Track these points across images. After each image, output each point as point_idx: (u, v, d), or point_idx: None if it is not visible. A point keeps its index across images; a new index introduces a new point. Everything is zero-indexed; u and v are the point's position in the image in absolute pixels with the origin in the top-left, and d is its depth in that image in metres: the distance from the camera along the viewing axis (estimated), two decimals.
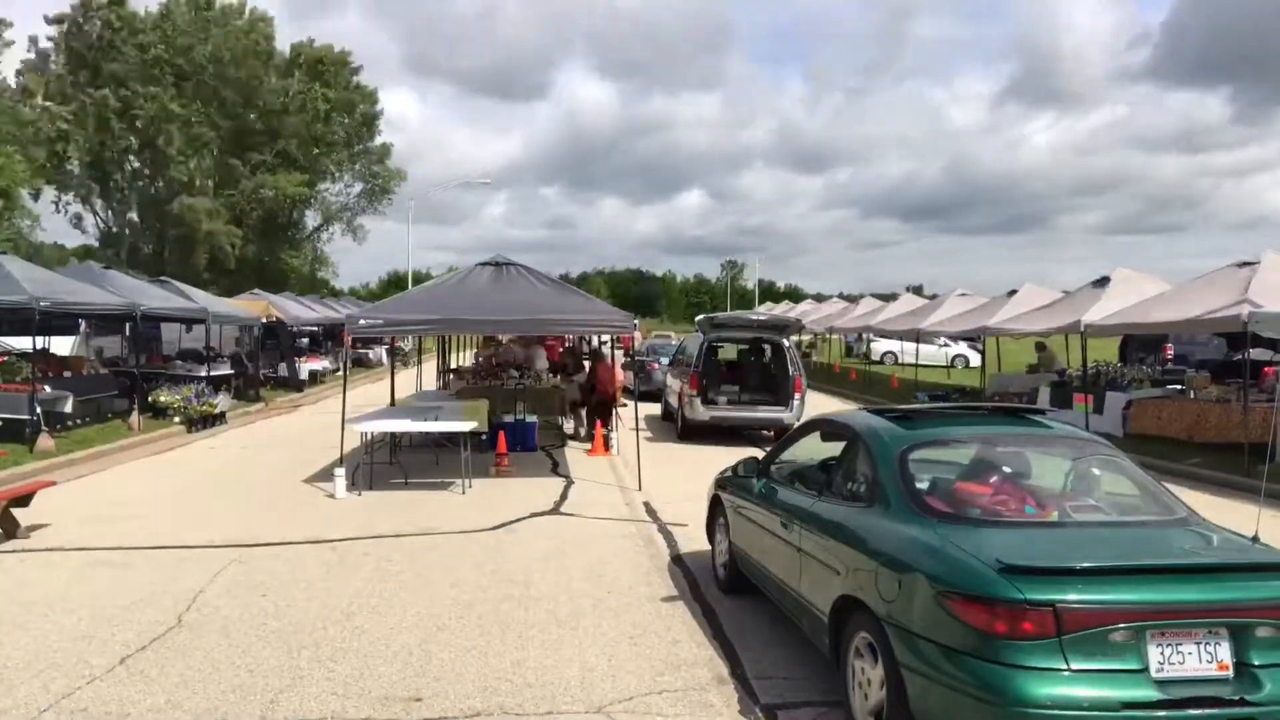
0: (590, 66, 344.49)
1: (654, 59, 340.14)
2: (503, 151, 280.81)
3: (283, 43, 49.80)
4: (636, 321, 12.54)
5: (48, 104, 41.19)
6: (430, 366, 22.83)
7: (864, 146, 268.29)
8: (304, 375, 25.94)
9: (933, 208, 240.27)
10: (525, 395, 15.75)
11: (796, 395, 15.47)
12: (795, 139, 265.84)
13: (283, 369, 25.70)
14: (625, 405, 16.67)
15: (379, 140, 53.22)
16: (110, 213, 47.66)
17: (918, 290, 65.43)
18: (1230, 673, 3.70)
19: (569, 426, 16.45)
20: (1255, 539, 4.36)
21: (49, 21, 43.72)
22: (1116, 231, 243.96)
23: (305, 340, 31.23)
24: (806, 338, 40.26)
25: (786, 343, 16.49)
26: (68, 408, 14.93)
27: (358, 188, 53.93)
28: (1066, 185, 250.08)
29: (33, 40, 44.07)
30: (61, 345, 20.26)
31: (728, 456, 8.35)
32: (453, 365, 21.84)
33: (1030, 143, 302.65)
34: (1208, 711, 3.61)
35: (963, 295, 26.06)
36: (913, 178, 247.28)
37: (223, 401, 18.07)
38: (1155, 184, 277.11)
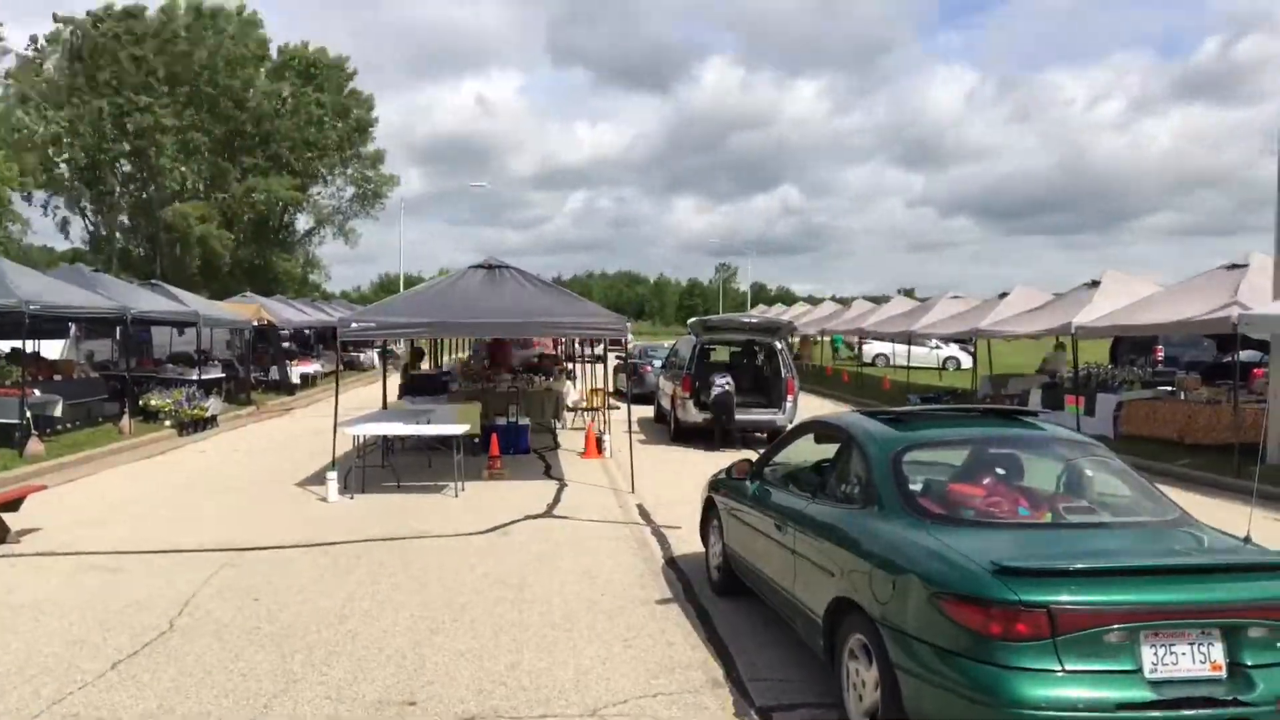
0: (716, 56, 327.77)
1: (779, 45, 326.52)
2: (606, 142, 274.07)
3: (281, 41, 49.77)
4: (629, 324, 12.53)
5: (44, 109, 41.00)
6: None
7: (978, 140, 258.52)
8: (295, 379, 25.88)
9: (1018, 207, 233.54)
10: (518, 398, 15.74)
11: (789, 397, 15.50)
12: (910, 133, 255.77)
13: (274, 372, 25.63)
14: (618, 408, 16.67)
15: (372, 146, 53.18)
16: (100, 216, 47.45)
17: (909, 293, 65.51)
18: (1224, 673, 3.71)
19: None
20: (1247, 539, 4.38)
21: (56, 20, 43.50)
22: (1211, 233, 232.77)
23: (292, 344, 31.06)
24: (798, 340, 40.31)
25: (779, 345, 16.51)
26: (57, 411, 14.85)
27: (350, 192, 53.85)
28: (1175, 182, 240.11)
29: (33, 39, 43.87)
30: (51, 349, 20.17)
31: (720, 459, 8.38)
32: (445, 367, 21.79)
33: (1154, 138, 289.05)
34: (1201, 712, 3.62)
35: (955, 298, 26.15)
36: (1014, 175, 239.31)
37: (214, 405, 18.01)
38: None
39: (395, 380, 17.43)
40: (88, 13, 42.99)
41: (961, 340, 29.86)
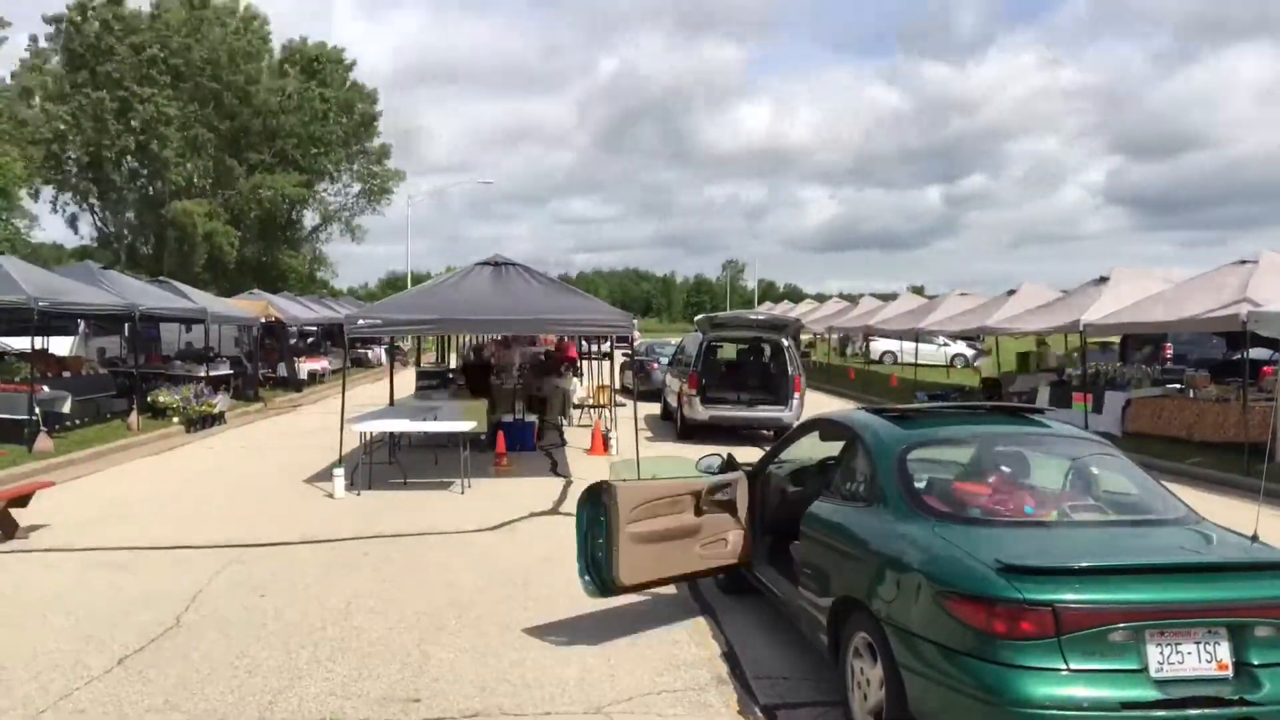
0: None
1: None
2: (793, 125, 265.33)
3: (283, 39, 49.89)
4: (635, 321, 12.53)
5: (46, 104, 41.15)
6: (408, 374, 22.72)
7: (1213, 124, 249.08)
8: (303, 375, 25.94)
9: (1186, 199, 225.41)
10: (524, 395, 15.75)
11: (796, 394, 15.49)
12: (1137, 115, 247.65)
13: (282, 369, 25.70)
14: (624, 405, 16.66)
15: (378, 141, 53.26)
16: (108, 213, 47.62)
17: (918, 290, 65.35)
18: (1230, 672, 3.69)
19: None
20: (1254, 538, 4.35)
21: (47, 21, 43.69)
22: None
23: (300, 340, 31.13)
24: (806, 337, 40.30)
25: (786, 342, 16.49)
26: (66, 408, 14.91)
27: (356, 188, 53.95)
28: None
29: (32, 39, 44.03)
30: (60, 345, 20.25)
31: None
32: (452, 365, 21.80)
33: None
34: (1207, 711, 3.60)
35: (962, 295, 26.09)
36: (1219, 164, 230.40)
37: (222, 402, 18.06)
38: None
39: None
40: (68, 7, 43.00)
41: (969, 337, 29.84)
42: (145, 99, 41.88)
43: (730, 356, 18.99)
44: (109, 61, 42.14)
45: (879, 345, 39.61)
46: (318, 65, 48.83)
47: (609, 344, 18.76)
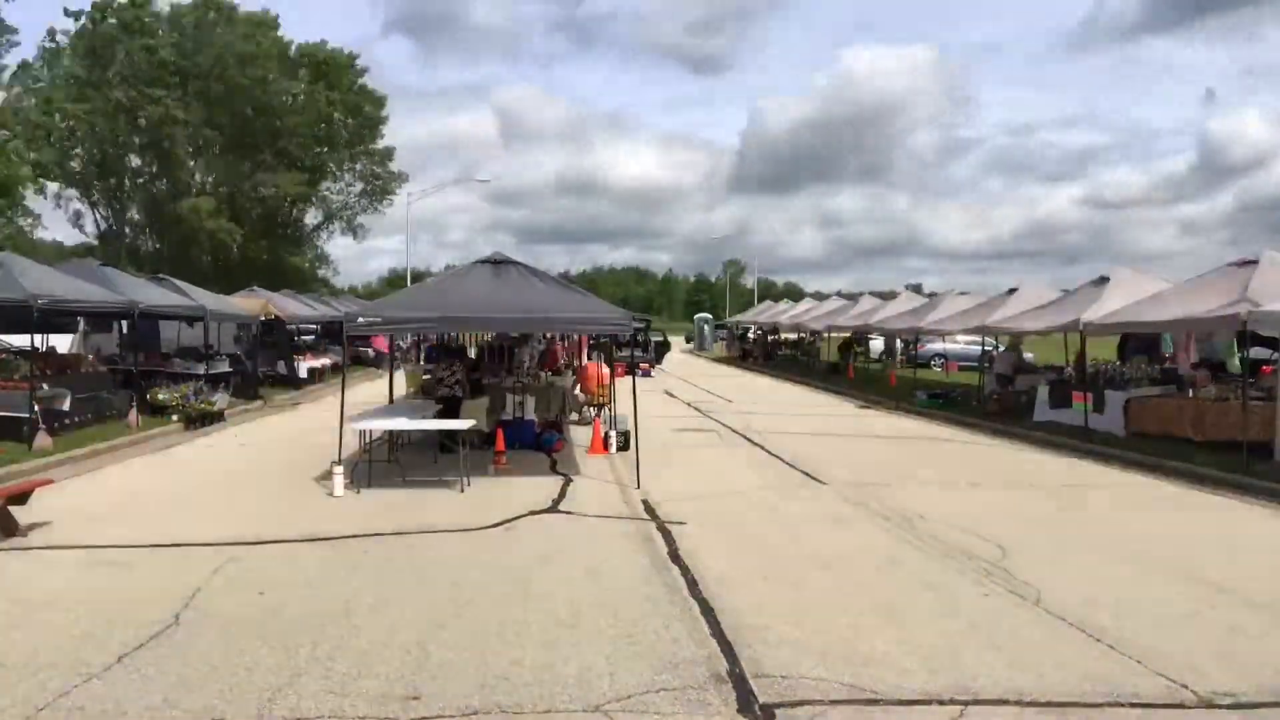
0: None
1: None
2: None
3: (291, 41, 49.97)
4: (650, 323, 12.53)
5: (54, 97, 41.24)
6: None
7: None
8: (303, 373, 25.93)
9: None
10: (524, 393, 15.73)
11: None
12: None
13: (281, 367, 25.68)
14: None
15: (382, 143, 53.38)
16: (111, 210, 47.68)
17: (917, 288, 65.33)
18: None
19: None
20: None
21: (68, 14, 43.69)
22: None
23: (307, 338, 31.15)
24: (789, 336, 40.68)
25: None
26: (66, 405, 14.90)
27: (359, 187, 54.05)
28: None
29: (50, 33, 44.04)
30: (60, 343, 20.24)
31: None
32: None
33: None
34: None
35: (962, 294, 26.04)
36: None
37: (221, 399, 18.05)
38: None
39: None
40: (94, 4, 43.11)
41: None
42: (156, 100, 41.98)
43: None
44: (124, 63, 42.22)
45: (878, 344, 39.40)
46: (326, 68, 48.95)
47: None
